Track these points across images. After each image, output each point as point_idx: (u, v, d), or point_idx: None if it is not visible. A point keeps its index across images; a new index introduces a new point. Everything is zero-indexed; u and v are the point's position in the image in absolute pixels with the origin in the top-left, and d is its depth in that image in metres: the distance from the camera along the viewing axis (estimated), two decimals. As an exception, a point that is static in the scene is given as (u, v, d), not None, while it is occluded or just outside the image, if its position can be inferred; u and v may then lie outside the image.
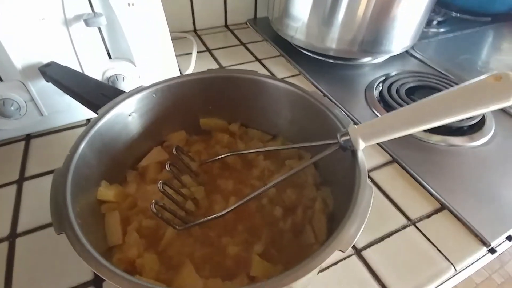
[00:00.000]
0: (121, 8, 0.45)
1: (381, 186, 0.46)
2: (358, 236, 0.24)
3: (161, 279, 0.30)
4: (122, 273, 0.22)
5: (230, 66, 0.70)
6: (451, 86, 0.63)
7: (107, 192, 0.34)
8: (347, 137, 0.30)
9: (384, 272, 0.37)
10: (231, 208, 0.32)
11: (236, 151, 0.40)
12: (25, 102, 0.46)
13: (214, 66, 0.69)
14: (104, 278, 0.22)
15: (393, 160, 0.49)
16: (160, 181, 0.33)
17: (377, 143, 0.50)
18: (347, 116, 0.56)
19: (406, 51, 0.76)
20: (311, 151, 0.40)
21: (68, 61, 0.46)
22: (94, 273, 0.34)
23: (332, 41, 0.64)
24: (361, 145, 0.30)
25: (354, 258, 0.38)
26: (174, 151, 0.37)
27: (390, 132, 0.29)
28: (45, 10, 0.42)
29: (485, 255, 0.42)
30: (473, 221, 0.41)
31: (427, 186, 0.45)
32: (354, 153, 0.30)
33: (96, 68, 0.48)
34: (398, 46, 0.68)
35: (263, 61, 0.72)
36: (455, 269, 0.38)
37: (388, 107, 0.58)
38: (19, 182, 0.44)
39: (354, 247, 0.39)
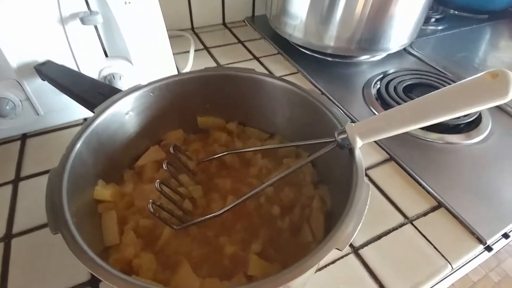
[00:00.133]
0: (118, 6, 0.45)
1: (378, 184, 0.46)
2: (355, 234, 0.24)
3: (158, 279, 0.30)
4: (118, 273, 0.22)
5: (228, 64, 0.69)
6: (449, 83, 0.63)
7: (103, 191, 0.34)
8: (345, 135, 0.30)
9: (381, 270, 0.37)
10: (229, 207, 0.32)
11: (234, 150, 0.40)
12: (21, 101, 0.46)
13: (212, 64, 0.69)
14: (100, 278, 0.22)
15: (390, 158, 0.49)
16: (158, 180, 0.32)
17: (374, 141, 0.51)
18: (345, 114, 0.56)
19: (404, 49, 0.76)
20: (309, 149, 0.40)
21: (64, 59, 0.45)
22: (91, 273, 0.35)
23: (330, 39, 0.64)
24: (359, 143, 0.30)
25: (352, 256, 0.38)
26: (171, 150, 0.37)
27: (387, 129, 0.29)
28: (40, 8, 0.41)
29: (481, 252, 0.42)
30: (470, 219, 0.41)
31: (424, 184, 0.45)
32: (351, 151, 0.30)
33: (92, 66, 0.48)
34: (396, 44, 0.68)
35: (261, 59, 0.72)
36: (452, 267, 0.38)
37: (386, 105, 0.58)
38: (15, 182, 0.44)
39: (351, 245, 0.39)
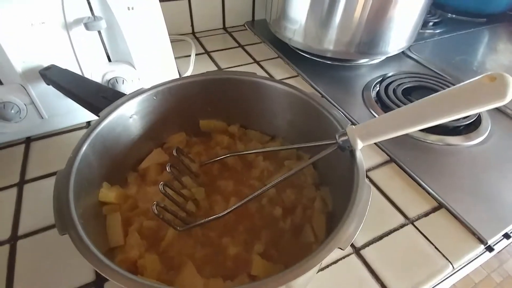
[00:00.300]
0: (121, 12, 0.45)
1: (379, 185, 0.46)
2: (357, 234, 0.25)
3: (163, 279, 0.30)
4: (125, 272, 0.22)
5: (228, 68, 0.70)
6: (447, 86, 0.64)
7: (108, 193, 0.34)
8: (346, 137, 0.31)
9: (382, 271, 0.37)
10: (231, 209, 0.33)
11: (236, 152, 0.41)
12: (25, 105, 0.46)
13: (213, 68, 0.70)
14: (108, 278, 0.22)
15: (391, 160, 0.50)
16: (161, 182, 0.33)
17: (375, 143, 0.51)
18: (345, 117, 0.57)
19: (403, 52, 0.77)
20: (310, 151, 0.41)
21: (68, 64, 0.46)
22: (95, 274, 0.35)
23: (330, 43, 0.65)
24: (359, 145, 0.30)
25: (353, 257, 0.38)
26: (174, 152, 0.38)
27: (388, 131, 0.29)
28: (45, 13, 0.42)
29: (483, 253, 0.42)
30: (470, 219, 0.42)
31: (424, 185, 0.46)
32: (352, 153, 0.31)
33: (96, 71, 0.49)
34: (395, 47, 0.68)
35: (261, 63, 0.72)
36: (453, 267, 0.38)
37: (385, 108, 0.59)
38: (20, 185, 0.44)
39: (353, 246, 0.39)
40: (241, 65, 0.71)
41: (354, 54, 0.67)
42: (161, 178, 0.39)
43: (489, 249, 0.41)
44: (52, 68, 0.45)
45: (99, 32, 0.47)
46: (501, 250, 0.48)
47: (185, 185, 0.38)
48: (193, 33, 0.83)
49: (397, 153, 0.50)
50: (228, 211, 0.33)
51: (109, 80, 0.49)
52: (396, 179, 0.47)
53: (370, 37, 0.63)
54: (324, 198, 0.37)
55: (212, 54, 0.75)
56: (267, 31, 0.80)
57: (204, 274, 0.31)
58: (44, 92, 0.46)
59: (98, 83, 0.44)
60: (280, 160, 0.42)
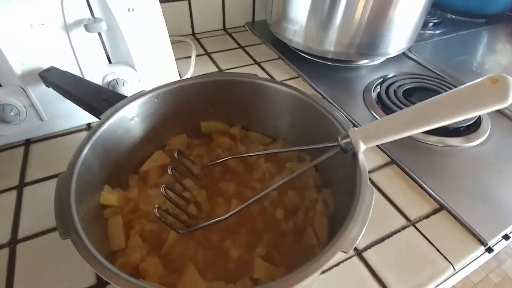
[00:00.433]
0: (122, 13, 0.45)
1: (380, 187, 0.46)
2: (360, 237, 0.25)
3: (165, 282, 0.30)
4: (127, 276, 0.22)
5: (229, 69, 0.70)
6: (448, 87, 0.64)
7: (109, 196, 0.34)
8: (348, 140, 0.31)
9: (384, 272, 0.37)
10: (233, 211, 0.33)
11: (237, 154, 0.40)
12: (25, 107, 0.46)
13: (213, 69, 0.70)
14: (110, 282, 0.22)
15: (392, 161, 0.50)
16: (163, 185, 0.33)
17: (376, 145, 0.51)
18: (346, 118, 0.57)
19: (403, 53, 0.77)
20: (312, 153, 0.41)
21: (68, 66, 0.46)
22: (96, 278, 0.35)
23: (330, 44, 0.65)
24: (362, 147, 0.30)
25: (355, 259, 0.38)
26: (175, 155, 0.38)
27: (391, 134, 0.29)
28: (44, 15, 0.42)
29: (482, 254, 0.42)
30: (471, 220, 0.42)
31: (425, 186, 0.46)
32: (354, 155, 0.31)
33: (96, 72, 0.48)
34: (395, 48, 0.68)
35: (261, 64, 0.72)
36: (454, 268, 0.38)
37: (386, 109, 0.59)
38: (19, 187, 0.44)
39: (355, 248, 0.39)
40: (242, 66, 0.71)
41: (354, 55, 0.67)
42: (162, 181, 0.39)
43: (489, 250, 0.41)
44: (52, 70, 0.45)
45: (99, 34, 0.47)
46: (499, 250, 0.48)
47: (187, 188, 0.38)
48: (193, 34, 0.83)
49: (398, 154, 0.50)
50: (230, 214, 0.33)
51: (109, 82, 0.49)
52: (397, 180, 0.47)
53: (370, 38, 0.63)
54: (326, 200, 0.37)
55: (213, 55, 0.75)
56: (267, 32, 0.80)
57: (206, 277, 0.31)
58: (44, 94, 0.46)
59: (99, 85, 0.44)
60: (282, 162, 0.41)
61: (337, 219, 0.34)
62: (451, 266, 0.38)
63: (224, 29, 0.86)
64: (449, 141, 0.53)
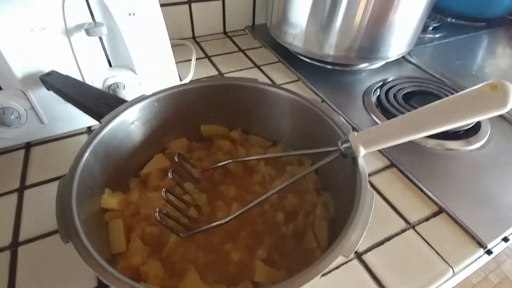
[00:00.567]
0: (122, 18, 0.46)
1: (380, 190, 0.47)
2: (361, 241, 0.25)
3: (166, 286, 0.30)
4: (128, 280, 0.22)
5: (229, 72, 0.70)
6: (447, 91, 0.64)
7: (110, 200, 0.34)
8: (348, 144, 0.31)
9: (384, 275, 0.37)
10: (234, 215, 0.33)
11: (237, 158, 0.41)
12: (25, 110, 0.46)
13: (213, 72, 0.70)
14: (111, 285, 0.22)
15: (392, 165, 0.50)
16: (164, 188, 0.33)
17: (376, 149, 0.51)
18: (346, 122, 0.57)
19: (403, 57, 0.77)
20: (312, 157, 0.41)
21: (69, 70, 0.46)
22: (98, 281, 0.35)
23: (330, 47, 0.65)
24: (362, 152, 0.30)
25: (355, 262, 0.38)
26: (176, 158, 0.38)
27: (390, 139, 0.29)
28: (45, 19, 0.42)
29: (481, 256, 0.42)
30: (470, 223, 0.42)
31: (425, 189, 0.46)
32: (354, 159, 0.31)
33: (97, 76, 0.49)
34: (395, 52, 0.69)
35: (261, 67, 0.73)
36: (453, 271, 0.38)
37: (386, 113, 0.59)
38: (20, 190, 0.44)
39: (355, 251, 0.39)
40: (242, 69, 0.72)
41: (354, 59, 0.67)
42: (163, 184, 0.39)
43: (489, 252, 0.41)
44: (52, 74, 0.45)
45: (100, 38, 0.47)
46: (499, 252, 0.48)
47: (187, 191, 0.38)
48: (194, 37, 0.83)
49: (398, 157, 0.50)
50: (231, 217, 0.33)
51: (110, 86, 0.49)
52: (397, 183, 0.47)
53: (370, 42, 0.64)
54: (326, 203, 0.37)
55: (213, 58, 0.75)
56: (267, 36, 0.80)
57: (207, 280, 0.31)
58: (45, 97, 0.46)
59: (99, 89, 0.44)
60: (282, 166, 0.42)
61: (337, 223, 0.34)
62: (451, 269, 0.38)
63: (225, 32, 0.86)
64: (449, 144, 0.53)
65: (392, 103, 0.60)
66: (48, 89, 0.45)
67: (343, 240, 0.24)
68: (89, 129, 0.54)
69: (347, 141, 0.31)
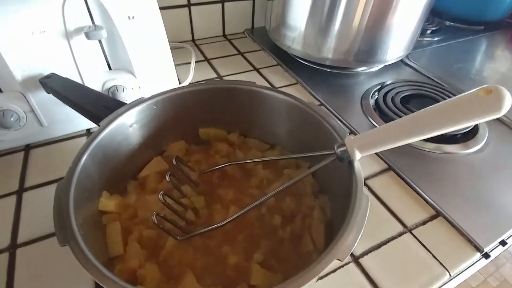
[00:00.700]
0: (122, 21, 0.46)
1: (377, 193, 0.47)
2: (355, 245, 0.25)
3: (163, 289, 0.30)
4: (125, 284, 0.22)
5: (228, 75, 0.71)
6: (445, 94, 0.65)
7: (108, 202, 0.34)
8: (344, 148, 0.31)
9: (381, 279, 0.37)
10: (231, 218, 0.33)
11: (235, 161, 0.41)
12: (25, 113, 0.47)
13: (213, 75, 0.70)
14: (108, 289, 0.22)
15: (389, 168, 0.50)
16: (161, 192, 0.33)
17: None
18: (344, 125, 0.57)
19: (401, 60, 0.77)
20: (309, 160, 0.41)
21: (68, 72, 0.46)
22: (95, 283, 0.35)
23: (329, 51, 0.66)
24: (358, 155, 0.30)
25: (352, 265, 0.39)
26: (174, 161, 0.38)
27: (385, 143, 0.30)
28: (46, 22, 0.43)
29: (479, 260, 0.42)
30: (467, 227, 0.42)
31: (422, 193, 0.46)
32: (350, 163, 0.31)
33: (96, 79, 0.49)
34: (393, 55, 0.69)
35: (260, 70, 0.73)
36: (450, 275, 0.38)
37: (384, 116, 0.59)
38: (19, 192, 0.44)
39: (352, 254, 0.40)
40: (241, 72, 0.72)
41: (352, 62, 0.67)
42: (160, 187, 0.39)
43: (486, 256, 0.42)
44: (52, 76, 0.45)
45: (100, 41, 0.48)
46: (497, 255, 0.49)
47: (185, 194, 0.38)
48: (193, 40, 0.83)
49: (395, 161, 0.51)
50: (228, 220, 0.33)
51: (109, 88, 0.49)
52: (395, 187, 0.48)
53: (368, 45, 0.64)
54: (323, 207, 0.38)
55: (212, 61, 0.75)
56: (266, 39, 0.81)
57: (204, 284, 0.31)
58: (44, 100, 0.46)
59: (98, 92, 0.45)
60: (280, 169, 0.42)
61: (334, 226, 0.34)
62: (447, 273, 0.38)
63: (224, 35, 0.87)
64: (446, 148, 0.53)
65: (390, 107, 0.60)
66: (48, 92, 0.45)
67: (338, 244, 0.25)
68: (88, 132, 0.54)
69: (343, 144, 0.31)
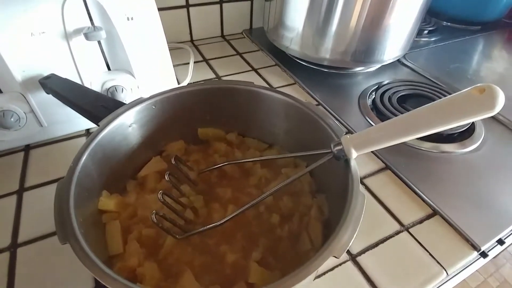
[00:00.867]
0: (121, 22, 0.46)
1: (374, 192, 0.47)
2: (351, 242, 0.25)
3: (162, 287, 0.31)
4: (125, 281, 0.23)
5: (226, 75, 0.71)
6: (442, 94, 0.65)
7: (108, 202, 0.35)
8: (340, 147, 0.31)
9: (378, 277, 0.38)
10: (229, 217, 0.33)
11: (234, 160, 0.41)
12: (25, 113, 0.47)
13: (211, 75, 0.71)
14: (108, 287, 0.22)
15: (386, 167, 0.51)
16: (160, 191, 0.33)
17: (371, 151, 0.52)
18: (341, 124, 0.58)
19: (398, 60, 0.78)
20: (307, 159, 0.41)
21: (68, 73, 0.47)
22: (95, 282, 0.35)
23: (326, 51, 0.66)
24: (354, 154, 0.31)
25: (350, 263, 0.39)
26: (173, 161, 0.38)
27: (381, 141, 0.30)
28: (45, 23, 0.43)
29: (477, 259, 0.43)
30: (464, 226, 0.42)
31: (419, 192, 0.47)
32: (347, 162, 0.32)
33: (95, 79, 0.49)
34: (390, 56, 0.69)
35: (259, 71, 0.73)
36: (447, 273, 0.39)
37: (381, 115, 0.60)
38: (19, 192, 0.45)
39: (349, 253, 0.40)
40: (239, 72, 0.72)
41: (350, 62, 0.68)
42: (160, 186, 0.40)
43: (483, 255, 0.42)
44: (52, 77, 0.45)
45: (99, 42, 0.48)
46: (497, 255, 0.49)
47: (184, 193, 0.38)
48: (192, 41, 0.84)
49: (392, 160, 0.51)
50: (226, 219, 0.33)
51: (108, 89, 0.50)
52: (392, 186, 0.48)
53: (365, 45, 0.64)
54: (321, 205, 0.38)
55: (211, 61, 0.76)
56: (264, 39, 0.81)
57: (203, 282, 0.31)
58: (44, 100, 0.47)
59: (98, 92, 0.45)
60: (278, 168, 0.42)
61: (332, 225, 0.35)
62: (444, 271, 0.39)
63: (222, 36, 0.87)
64: (443, 147, 0.54)
65: (387, 106, 0.61)
66: (48, 93, 0.45)
67: (334, 241, 0.25)
68: (87, 132, 0.54)
69: (339, 143, 0.31)
